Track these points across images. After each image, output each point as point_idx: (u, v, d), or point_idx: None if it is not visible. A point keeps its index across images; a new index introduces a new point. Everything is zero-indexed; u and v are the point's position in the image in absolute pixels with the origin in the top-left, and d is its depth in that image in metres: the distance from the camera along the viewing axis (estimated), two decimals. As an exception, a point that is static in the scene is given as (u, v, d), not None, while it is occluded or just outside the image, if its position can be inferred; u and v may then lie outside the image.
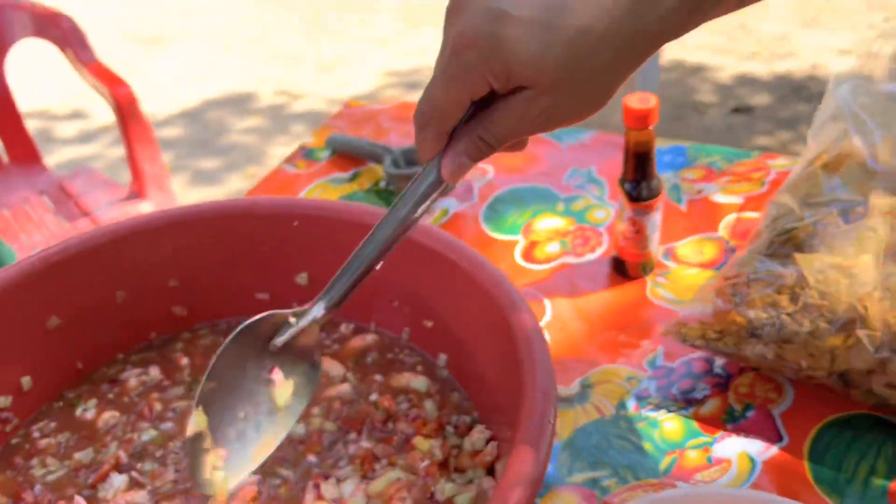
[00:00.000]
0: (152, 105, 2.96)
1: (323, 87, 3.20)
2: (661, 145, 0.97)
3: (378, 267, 0.48)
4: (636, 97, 0.72)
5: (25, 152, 1.83)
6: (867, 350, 0.58)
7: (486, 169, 0.98)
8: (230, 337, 0.49)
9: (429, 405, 0.59)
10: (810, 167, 0.71)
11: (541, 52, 0.37)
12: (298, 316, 0.51)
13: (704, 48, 3.11)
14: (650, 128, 0.72)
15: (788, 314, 0.61)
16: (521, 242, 0.86)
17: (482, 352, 0.57)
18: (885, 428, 0.62)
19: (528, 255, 0.84)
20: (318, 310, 0.50)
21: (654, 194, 0.74)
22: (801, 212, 0.67)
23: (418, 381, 0.61)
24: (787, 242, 0.66)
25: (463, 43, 0.38)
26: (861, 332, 0.59)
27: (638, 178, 0.74)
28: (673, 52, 3.08)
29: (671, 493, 0.52)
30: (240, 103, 3.13)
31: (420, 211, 0.45)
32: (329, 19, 3.85)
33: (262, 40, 3.67)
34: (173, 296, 0.67)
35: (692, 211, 0.87)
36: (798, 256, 0.63)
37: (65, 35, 1.68)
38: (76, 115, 3.13)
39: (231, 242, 0.67)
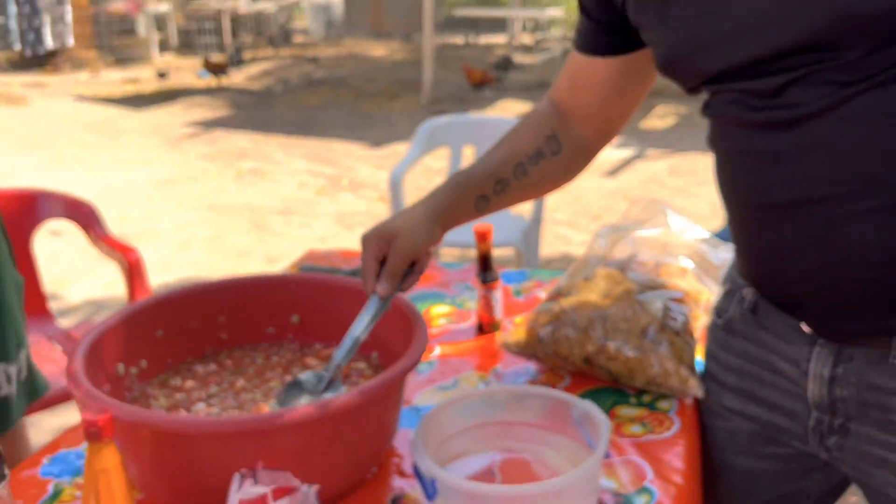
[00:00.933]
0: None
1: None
2: (513, 269, 1.56)
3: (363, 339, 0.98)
4: (481, 224, 1.31)
5: (38, 307, 2.30)
6: (592, 340, 1.14)
7: (402, 283, 1.55)
8: (287, 383, 1.00)
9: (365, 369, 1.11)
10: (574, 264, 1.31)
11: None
12: (328, 371, 0.97)
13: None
14: (488, 240, 1.31)
15: (556, 328, 1.17)
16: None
17: (396, 346, 1.10)
18: (616, 391, 1.17)
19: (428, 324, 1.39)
20: (334, 370, 0.97)
21: (493, 278, 1.32)
22: (568, 280, 1.25)
23: (360, 365, 1.13)
24: (558, 295, 1.23)
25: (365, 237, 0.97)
26: (592, 333, 1.15)
27: (484, 269, 1.32)
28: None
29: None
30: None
31: (378, 312, 0.97)
32: (274, 222, 4.52)
33: (216, 239, 4.28)
34: (221, 327, 1.18)
35: (524, 301, 1.45)
36: (561, 299, 1.21)
37: (86, 216, 2.24)
38: (81, 279, 3.58)
39: (253, 298, 1.19)
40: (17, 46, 4.55)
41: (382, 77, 10.08)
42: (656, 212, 1.38)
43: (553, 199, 4.85)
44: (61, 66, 10.37)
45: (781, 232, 0.87)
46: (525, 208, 3.12)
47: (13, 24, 4.54)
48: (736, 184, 0.92)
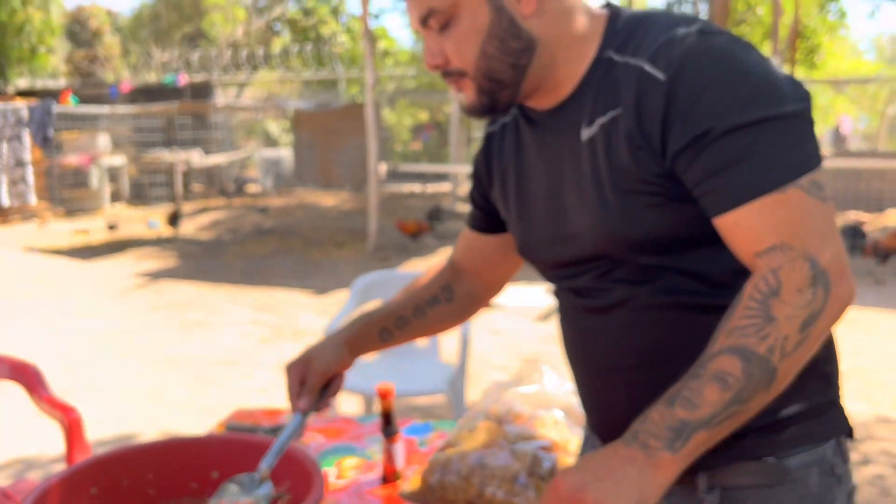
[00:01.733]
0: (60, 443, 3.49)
1: (208, 427, 3.85)
2: (418, 420, 1.76)
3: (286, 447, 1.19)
4: (383, 383, 1.52)
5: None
6: (473, 486, 1.33)
7: (318, 438, 1.73)
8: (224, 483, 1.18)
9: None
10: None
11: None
12: (258, 473, 1.17)
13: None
14: (390, 398, 1.51)
15: (442, 475, 1.36)
16: (333, 471, 1.58)
17: (300, 490, 1.27)
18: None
19: (339, 476, 1.56)
20: (264, 471, 1.17)
21: (394, 432, 1.51)
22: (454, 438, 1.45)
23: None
24: (447, 446, 1.43)
25: (288, 365, 1.19)
26: (472, 479, 1.34)
27: (386, 424, 1.51)
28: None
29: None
30: (127, 440, 3.71)
31: (299, 426, 1.19)
32: (216, 373, 4.63)
33: (157, 392, 4.35)
34: (149, 484, 1.34)
35: (427, 451, 1.64)
36: (448, 449, 1.40)
37: (30, 377, 2.37)
38: (19, 435, 3.60)
39: (178, 457, 1.36)
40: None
41: (330, 226, 10.49)
42: (535, 370, 1.62)
43: (488, 344, 5.09)
44: (11, 218, 10.54)
45: (600, 391, 1.10)
46: (453, 356, 3.33)
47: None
48: (571, 353, 1.16)
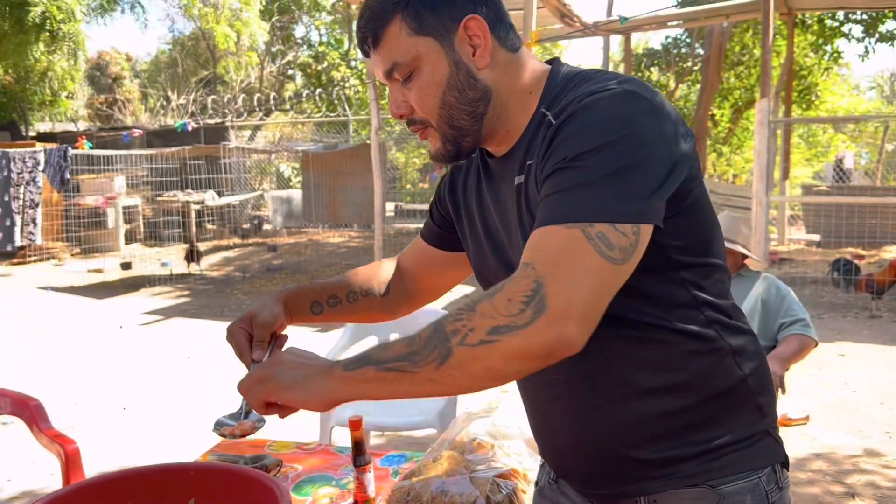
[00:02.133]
0: (64, 478, 3.59)
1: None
2: (396, 451, 1.85)
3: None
4: (354, 415, 1.62)
5: (-20, 499, 2.48)
6: (433, 510, 1.42)
7: (297, 468, 1.82)
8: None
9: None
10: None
11: None
12: (241, 407, 1.26)
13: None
14: (360, 429, 1.61)
15: (405, 502, 1.45)
16: (309, 500, 1.67)
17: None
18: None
19: None
20: (245, 406, 1.27)
21: (365, 462, 1.61)
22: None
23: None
24: (411, 474, 1.52)
25: (230, 327, 1.29)
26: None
27: (356, 454, 1.61)
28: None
29: None
30: None
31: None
32: (222, 407, 4.72)
33: (162, 426, 4.46)
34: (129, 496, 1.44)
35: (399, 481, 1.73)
36: (413, 478, 1.49)
37: (32, 412, 2.48)
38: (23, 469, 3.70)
39: (158, 484, 1.46)
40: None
41: (338, 263, 10.64)
42: (502, 401, 1.72)
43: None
44: (28, 259, 10.78)
45: (546, 419, 1.19)
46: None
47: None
48: (519, 384, 1.24)
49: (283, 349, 1.14)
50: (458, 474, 1.48)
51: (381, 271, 1.44)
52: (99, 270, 10.30)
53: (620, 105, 0.95)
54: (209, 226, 12.80)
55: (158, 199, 12.39)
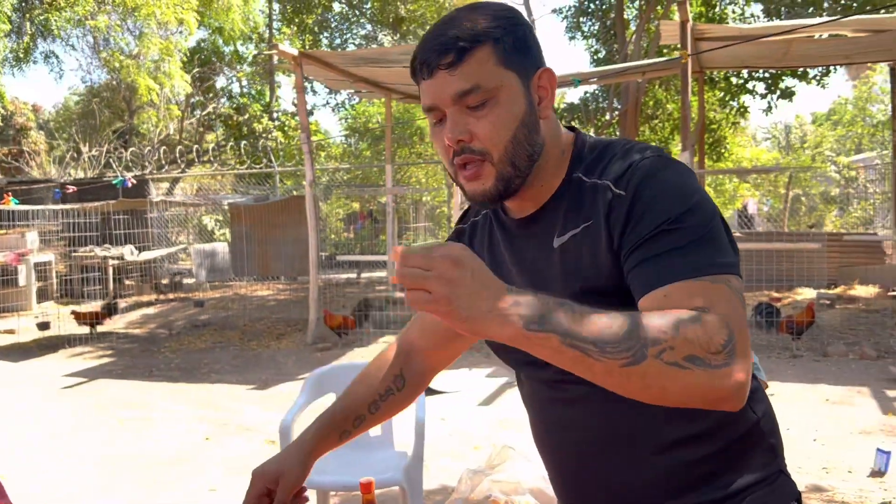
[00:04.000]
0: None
1: (158, 529, 3.76)
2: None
3: None
4: (366, 479, 1.62)
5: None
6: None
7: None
8: None
9: None
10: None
11: None
12: None
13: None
14: (373, 492, 1.61)
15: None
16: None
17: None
18: None
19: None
20: None
21: (378, 522, 1.61)
22: None
23: None
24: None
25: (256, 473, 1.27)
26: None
27: (370, 514, 1.61)
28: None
29: None
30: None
31: None
32: (163, 472, 4.54)
33: (103, 494, 4.25)
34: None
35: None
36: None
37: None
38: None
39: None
40: None
41: (268, 317, 10.44)
42: (507, 456, 1.76)
43: (436, 432, 5.15)
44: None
45: (573, 475, 1.24)
46: (408, 444, 3.40)
47: None
48: (543, 441, 1.28)
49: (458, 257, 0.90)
50: (476, 530, 1.51)
51: (389, 367, 1.41)
52: (11, 331, 9.77)
53: (678, 172, 1.05)
54: (128, 281, 12.36)
55: (74, 254, 11.91)
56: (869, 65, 17.64)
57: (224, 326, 9.90)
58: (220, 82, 18.41)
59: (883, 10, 10.57)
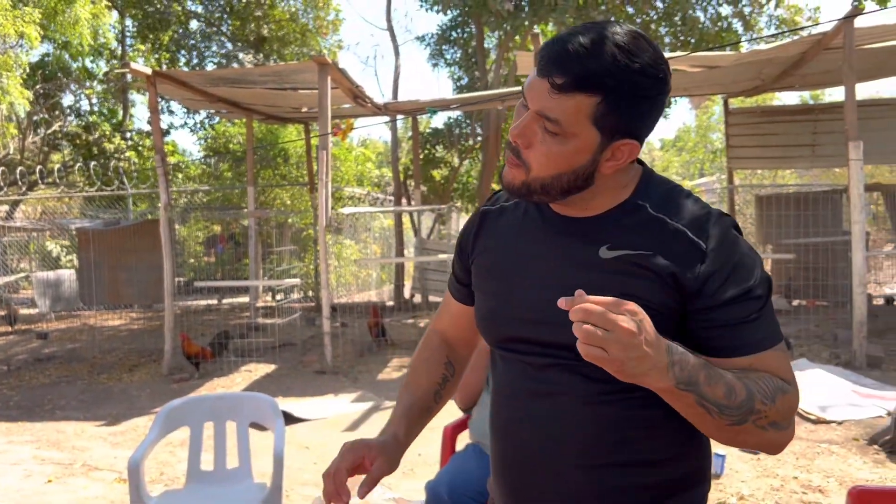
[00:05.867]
0: None
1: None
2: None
3: None
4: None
5: None
6: None
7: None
8: None
9: None
10: None
11: None
12: None
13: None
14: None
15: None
16: None
17: None
18: None
19: None
20: None
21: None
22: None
23: None
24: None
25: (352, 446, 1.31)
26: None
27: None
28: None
29: None
30: None
31: None
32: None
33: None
34: None
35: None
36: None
37: None
38: None
39: None
40: None
41: (120, 348, 9.87)
42: (356, 481, 1.76)
43: (299, 461, 5.06)
44: None
45: (517, 465, 1.24)
46: (268, 475, 3.32)
47: None
48: (501, 427, 1.28)
49: None
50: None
51: (437, 357, 1.50)
52: None
53: (746, 241, 1.18)
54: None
55: None
56: (708, 96, 19.15)
57: (71, 359, 9.27)
58: (68, 100, 17.37)
59: (714, 49, 11.50)
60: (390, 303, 12.79)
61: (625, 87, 1.06)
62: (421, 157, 13.39)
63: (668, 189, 1.21)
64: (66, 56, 15.76)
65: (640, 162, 1.25)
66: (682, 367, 1.02)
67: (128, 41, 17.29)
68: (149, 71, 8.29)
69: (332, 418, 6.20)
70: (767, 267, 12.35)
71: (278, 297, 12.49)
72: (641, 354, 0.96)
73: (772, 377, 1.12)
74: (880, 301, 11.21)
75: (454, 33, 15.23)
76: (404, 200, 13.82)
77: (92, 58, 16.51)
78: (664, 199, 1.19)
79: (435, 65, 16.06)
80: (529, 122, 1.11)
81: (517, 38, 13.44)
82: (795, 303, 10.77)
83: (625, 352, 0.95)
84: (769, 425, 1.10)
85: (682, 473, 1.23)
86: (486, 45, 14.16)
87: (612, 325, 0.94)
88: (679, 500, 1.23)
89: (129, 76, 14.57)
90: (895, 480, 4.21)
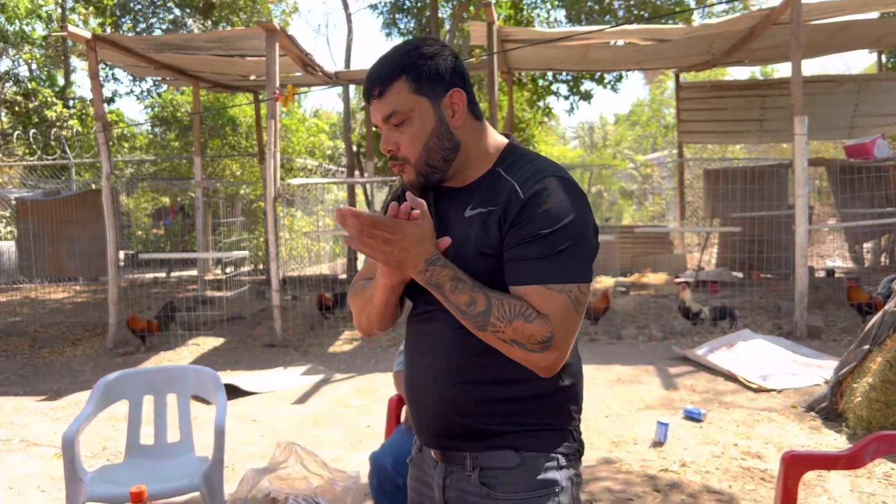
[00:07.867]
0: None
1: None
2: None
3: None
4: (136, 486, 1.53)
5: None
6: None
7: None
8: None
9: None
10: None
11: None
12: None
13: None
14: (145, 499, 1.52)
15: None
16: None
17: None
18: None
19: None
20: None
21: (150, 533, 1.53)
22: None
23: None
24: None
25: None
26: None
27: (141, 525, 1.52)
28: None
29: None
30: None
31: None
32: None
33: None
34: None
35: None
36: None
37: None
38: None
39: None
40: None
41: (63, 322, 9.62)
42: (291, 452, 1.73)
43: (246, 434, 5.00)
44: None
45: (416, 387, 1.51)
46: (208, 449, 3.26)
47: None
48: (409, 356, 1.54)
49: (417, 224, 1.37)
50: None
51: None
52: None
53: (569, 195, 1.38)
54: None
55: None
56: (661, 70, 19.30)
57: (10, 333, 9.00)
58: (5, 64, 16.65)
59: (664, 21, 11.57)
60: (343, 276, 12.69)
61: (415, 60, 1.42)
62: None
63: (521, 156, 1.48)
64: (2, 19, 15.12)
65: (508, 136, 1.54)
66: (434, 274, 1.36)
67: (69, 4, 16.63)
68: (88, 35, 7.99)
69: (282, 391, 6.15)
70: (714, 240, 12.60)
71: (227, 269, 12.29)
72: (401, 248, 1.35)
73: (526, 306, 1.33)
74: (822, 273, 11.50)
75: (408, 2, 15.04)
76: (357, 173, 13.67)
77: (28, 21, 15.86)
78: (514, 163, 1.45)
79: (388, 34, 15.86)
80: (386, 132, 1.45)
81: (471, 8, 13.32)
82: (741, 275, 11.00)
83: (383, 254, 1.35)
84: (511, 342, 1.33)
85: (544, 391, 1.45)
86: (439, 15, 14.01)
87: (394, 234, 1.33)
88: (549, 414, 1.46)
89: (69, 41, 14.05)
90: (830, 446, 4.35)
